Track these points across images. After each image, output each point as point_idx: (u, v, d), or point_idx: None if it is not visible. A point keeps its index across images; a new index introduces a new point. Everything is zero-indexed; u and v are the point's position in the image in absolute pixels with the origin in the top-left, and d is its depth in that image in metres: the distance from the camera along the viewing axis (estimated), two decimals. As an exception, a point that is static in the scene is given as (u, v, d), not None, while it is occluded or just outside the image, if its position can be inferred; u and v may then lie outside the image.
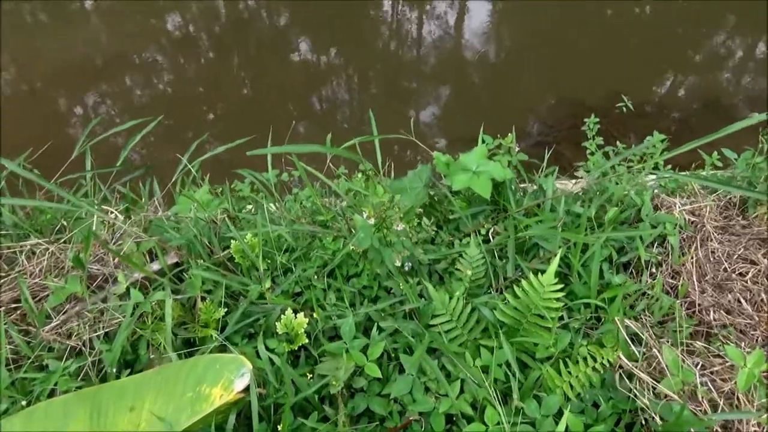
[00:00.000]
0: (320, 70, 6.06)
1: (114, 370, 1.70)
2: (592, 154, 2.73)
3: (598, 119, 2.77)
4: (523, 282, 1.74)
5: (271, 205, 2.85)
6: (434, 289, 1.81)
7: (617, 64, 5.74)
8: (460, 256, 2.06)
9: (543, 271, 1.91)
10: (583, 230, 1.88)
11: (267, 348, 1.82)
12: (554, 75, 5.67)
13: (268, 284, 2.00)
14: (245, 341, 1.89)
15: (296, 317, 1.81)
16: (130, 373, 1.77)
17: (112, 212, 2.30)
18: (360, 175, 2.99)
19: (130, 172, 3.05)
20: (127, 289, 1.95)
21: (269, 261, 2.14)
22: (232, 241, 2.12)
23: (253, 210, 2.38)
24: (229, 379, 1.51)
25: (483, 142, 2.38)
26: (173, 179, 2.96)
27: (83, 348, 1.79)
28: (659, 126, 5.24)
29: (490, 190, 2.13)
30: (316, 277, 2.01)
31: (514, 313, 1.73)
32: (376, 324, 1.83)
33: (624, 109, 4.11)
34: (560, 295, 1.68)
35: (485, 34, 6.32)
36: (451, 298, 1.80)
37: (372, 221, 1.66)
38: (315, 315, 1.85)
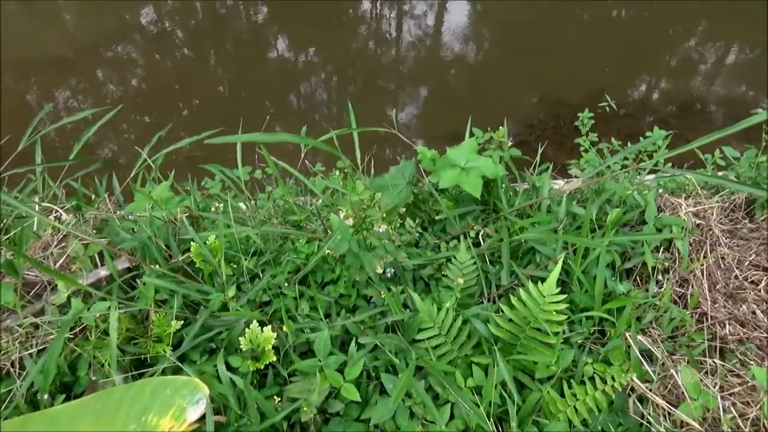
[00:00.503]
0: (298, 69, 5.82)
1: (46, 396, 1.45)
2: (586, 151, 2.56)
3: (591, 114, 2.59)
4: (521, 291, 1.54)
5: (242, 204, 2.61)
6: (420, 299, 1.60)
7: (597, 63, 5.63)
8: (448, 261, 1.85)
9: (541, 279, 1.71)
10: (586, 233, 1.69)
11: (229, 367, 1.59)
12: (535, 74, 5.53)
13: (232, 292, 1.76)
14: (204, 358, 1.65)
15: (263, 331, 1.58)
16: (65, 399, 1.52)
17: (56, 211, 2.04)
18: (338, 172, 2.77)
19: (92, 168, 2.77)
20: (69, 298, 1.70)
21: (234, 266, 1.91)
22: (192, 243, 1.88)
23: (221, 209, 2.14)
24: (181, 406, 1.28)
25: (472, 135, 2.18)
26: (132, 174, 2.70)
27: (12, 369, 1.53)
28: (640, 126, 5.12)
29: (480, 189, 1.93)
30: (286, 284, 1.78)
31: (511, 326, 1.53)
32: (354, 338, 1.62)
33: (607, 108, 3.98)
34: (563, 306, 1.49)
35: (465, 33, 6.16)
36: (439, 310, 1.59)
37: (350, 222, 1.45)
38: (285, 328, 1.62)
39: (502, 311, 1.56)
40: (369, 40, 6.16)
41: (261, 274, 1.88)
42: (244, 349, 1.58)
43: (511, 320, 1.54)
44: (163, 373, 1.58)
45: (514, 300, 1.55)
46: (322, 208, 2.19)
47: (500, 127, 2.09)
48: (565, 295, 1.51)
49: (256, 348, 1.59)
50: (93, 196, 2.57)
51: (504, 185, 2.09)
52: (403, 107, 5.51)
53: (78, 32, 6.04)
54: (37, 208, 2.06)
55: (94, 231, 2.10)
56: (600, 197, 1.89)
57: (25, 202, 2.14)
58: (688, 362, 1.49)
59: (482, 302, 1.74)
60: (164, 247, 1.95)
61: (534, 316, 1.50)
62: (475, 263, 1.71)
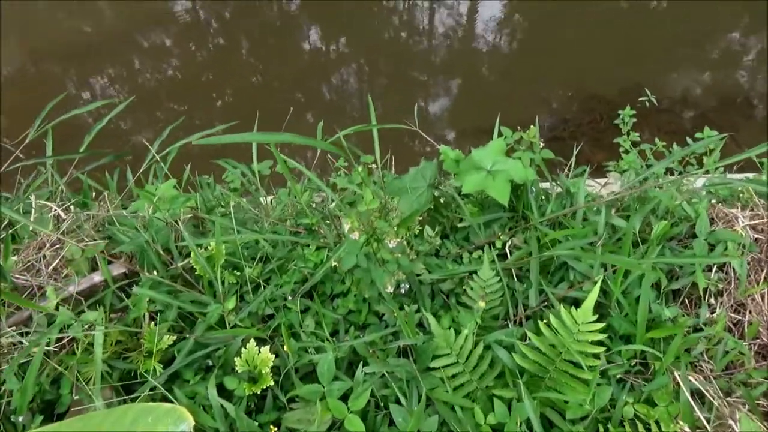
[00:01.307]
0: (330, 59, 5.64)
1: (21, 419, 1.33)
2: (626, 152, 2.33)
3: (633, 111, 2.34)
4: (551, 315, 1.35)
5: (261, 199, 2.47)
6: (436, 322, 1.42)
7: (633, 56, 5.30)
8: (471, 275, 1.67)
9: (574, 301, 1.52)
10: (628, 250, 1.48)
11: (225, 388, 1.45)
12: (569, 66, 5.23)
13: (231, 304, 1.61)
14: (199, 377, 1.51)
15: (260, 352, 1.43)
16: (45, 421, 1.40)
17: (52, 208, 1.92)
18: (360, 168, 2.59)
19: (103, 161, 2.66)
20: (58, 306, 1.58)
21: (238, 273, 1.76)
22: (197, 247, 1.74)
23: (232, 207, 2.00)
24: (162, 439, 1.14)
25: (500, 135, 1.98)
26: (141, 169, 2.59)
27: (-10, 384, 1.42)
28: (680, 122, 4.80)
29: (507, 195, 1.74)
30: (291, 296, 1.62)
31: (539, 357, 1.34)
32: (362, 361, 1.45)
33: (646, 103, 3.70)
34: (601, 337, 1.29)
35: (499, 25, 5.89)
36: (458, 334, 1.41)
37: (356, 236, 1.28)
38: (285, 348, 1.47)
39: (530, 339, 1.37)
40: (400, 32, 5.95)
41: (266, 284, 1.73)
42: (240, 371, 1.43)
43: (539, 350, 1.35)
44: (153, 392, 1.44)
45: (543, 326, 1.36)
46: (336, 211, 2.03)
47: (531, 126, 1.88)
48: (603, 324, 1.31)
49: (252, 369, 1.44)
50: (105, 193, 2.45)
51: (534, 190, 1.89)
52: (431, 100, 5.29)
53: (110, 20, 5.98)
54: (34, 205, 1.94)
55: (96, 231, 1.98)
56: (644, 207, 1.67)
57: (20, 200, 2.03)
58: (747, 407, 1.28)
59: (507, 325, 1.56)
60: (164, 251, 1.82)
61: (566, 346, 1.30)
62: (500, 281, 1.52)
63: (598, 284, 1.34)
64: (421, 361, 1.41)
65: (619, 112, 2.33)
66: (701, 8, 5.70)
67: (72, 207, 2.10)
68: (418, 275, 1.68)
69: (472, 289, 1.53)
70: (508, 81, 5.34)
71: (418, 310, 1.56)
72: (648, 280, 1.40)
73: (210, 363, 1.56)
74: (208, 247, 1.74)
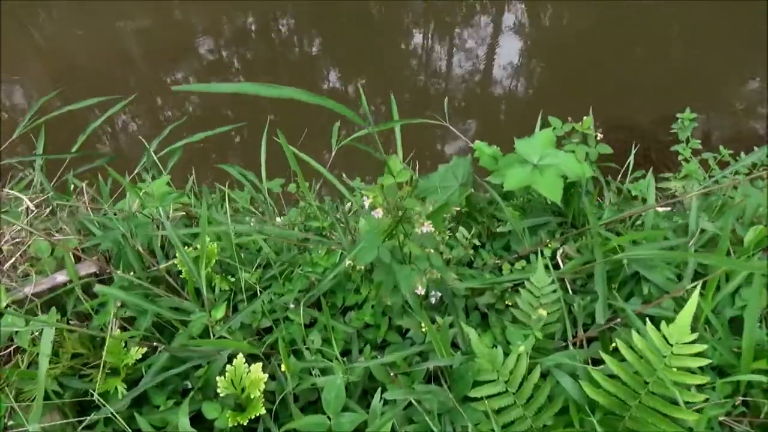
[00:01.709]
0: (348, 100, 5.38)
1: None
2: (687, 161, 2.03)
3: (694, 115, 2.05)
4: (634, 334, 1.03)
5: (278, 218, 2.16)
6: (477, 337, 1.10)
7: (665, 84, 5.00)
8: (515, 287, 1.35)
9: (651, 319, 1.19)
10: (723, 255, 1.16)
11: (204, 418, 1.13)
12: (600, 93, 4.95)
13: (220, 313, 1.31)
14: (171, 402, 1.19)
15: (249, 369, 1.11)
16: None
17: (22, 200, 1.64)
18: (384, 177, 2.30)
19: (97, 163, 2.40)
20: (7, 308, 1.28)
21: (233, 279, 1.46)
22: (185, 246, 1.45)
23: (227, 197, 1.71)
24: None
25: (546, 126, 1.68)
26: (136, 170, 2.33)
27: None
28: (741, 126, 4.46)
29: (560, 192, 1.43)
30: (292, 305, 1.31)
31: (618, 387, 1.01)
32: (380, 387, 1.13)
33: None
34: (704, 362, 0.96)
35: (527, 47, 5.67)
36: (506, 355, 1.08)
37: (379, 214, 0.97)
38: (283, 367, 1.15)
39: (602, 362, 1.04)
40: (421, 63, 5.73)
41: (264, 291, 1.42)
42: (223, 394, 1.11)
43: (616, 377, 1.02)
44: (111, 420, 1.12)
45: (622, 347, 1.03)
46: (351, 215, 1.74)
47: (585, 117, 1.59)
48: (705, 344, 0.98)
49: (239, 393, 1.12)
50: (83, 184, 2.16)
51: (589, 191, 1.59)
52: (461, 105, 4.95)
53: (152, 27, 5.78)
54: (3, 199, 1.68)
55: (76, 231, 1.70)
56: (733, 209, 1.35)
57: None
58: None
59: (566, 346, 1.23)
60: (149, 252, 1.53)
61: (655, 374, 0.97)
62: (555, 289, 1.20)
63: (696, 293, 1.02)
64: (458, 389, 1.08)
65: (678, 115, 2.04)
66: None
67: (48, 201, 1.82)
68: (449, 285, 1.36)
69: (522, 298, 1.21)
70: (539, 98, 5.04)
71: (452, 326, 1.24)
72: (758, 292, 1.07)
73: (189, 385, 1.24)
74: (198, 247, 1.45)
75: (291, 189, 2.85)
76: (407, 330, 1.31)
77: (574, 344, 1.25)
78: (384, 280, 1.19)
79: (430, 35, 5.79)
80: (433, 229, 1.04)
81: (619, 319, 1.21)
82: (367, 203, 0.97)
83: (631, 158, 1.77)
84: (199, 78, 5.30)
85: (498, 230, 1.61)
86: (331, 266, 1.38)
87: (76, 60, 5.37)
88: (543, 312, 1.11)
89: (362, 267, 1.36)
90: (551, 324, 1.20)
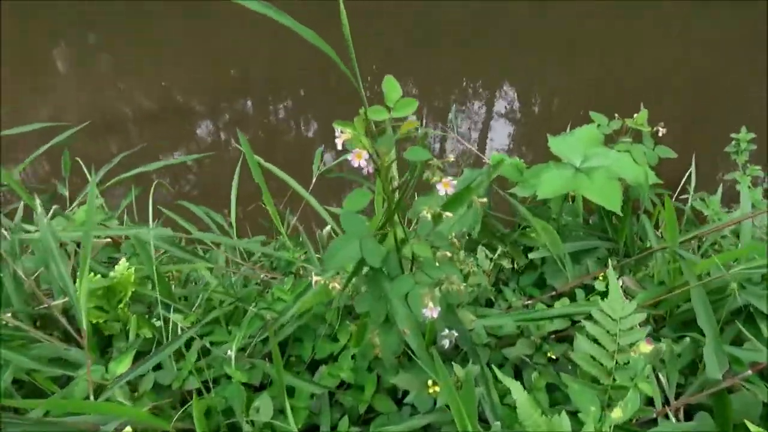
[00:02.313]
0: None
1: None
2: (749, 187, 1.65)
3: (752, 135, 1.70)
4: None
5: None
6: (527, 396, 0.65)
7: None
8: (561, 333, 0.93)
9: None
10: None
11: None
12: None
13: (121, 367, 0.86)
14: None
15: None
16: None
17: None
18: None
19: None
20: None
21: (159, 322, 1.02)
22: (93, 277, 1.02)
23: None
24: None
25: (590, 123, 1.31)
26: (77, 201, 1.93)
27: None
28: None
29: (620, 198, 1.04)
30: (230, 353, 0.87)
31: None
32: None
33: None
34: None
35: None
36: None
37: (360, 162, 0.55)
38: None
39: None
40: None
41: (198, 339, 0.97)
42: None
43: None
44: None
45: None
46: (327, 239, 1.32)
47: (639, 112, 1.22)
48: None
49: (120, 498, 0.65)
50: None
51: (647, 209, 1.19)
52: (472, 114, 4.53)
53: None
54: None
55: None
56: None
57: None
58: None
59: (655, 419, 0.77)
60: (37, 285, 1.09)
61: None
62: (639, 324, 0.77)
63: None
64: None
65: (732, 135, 1.69)
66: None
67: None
68: (469, 329, 0.93)
69: (582, 335, 0.77)
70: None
71: (476, 384, 0.80)
72: None
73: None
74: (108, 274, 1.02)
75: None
76: (405, 393, 0.85)
77: (666, 415, 0.80)
78: (372, 309, 0.76)
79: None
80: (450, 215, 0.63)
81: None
82: (340, 141, 0.55)
83: (692, 171, 1.38)
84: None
85: (527, 259, 1.19)
86: (295, 299, 0.95)
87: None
88: (646, 347, 0.67)
89: (341, 297, 0.93)
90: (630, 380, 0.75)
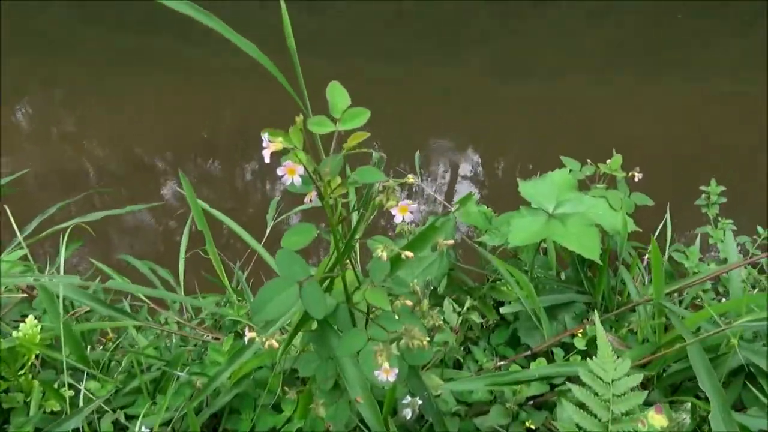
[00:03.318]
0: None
1: None
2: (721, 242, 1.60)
3: (721, 188, 1.66)
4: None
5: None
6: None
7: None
8: (537, 399, 0.80)
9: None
10: None
11: None
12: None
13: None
14: None
15: None
16: None
17: None
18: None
19: None
20: None
21: (68, 391, 0.85)
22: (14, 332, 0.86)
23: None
24: None
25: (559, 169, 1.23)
26: (6, 251, 1.74)
27: None
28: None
29: (599, 246, 0.95)
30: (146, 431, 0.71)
31: None
32: None
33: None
34: None
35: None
36: None
37: (298, 172, 0.43)
38: None
39: None
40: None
41: (113, 412, 0.81)
42: None
43: None
44: None
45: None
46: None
47: (613, 156, 1.16)
48: None
49: None
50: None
51: (625, 259, 1.10)
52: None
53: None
54: None
55: None
56: None
57: None
58: None
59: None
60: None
61: None
62: (636, 386, 0.66)
63: None
64: None
65: (702, 188, 1.65)
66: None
67: None
68: (436, 395, 0.80)
69: (565, 407, 0.65)
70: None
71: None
72: None
73: None
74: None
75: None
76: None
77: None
78: (318, 372, 0.63)
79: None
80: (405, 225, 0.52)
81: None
82: (268, 153, 0.43)
83: (667, 218, 1.31)
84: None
85: (498, 315, 1.08)
86: (230, 358, 0.80)
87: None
88: (662, 422, 0.54)
89: (286, 361, 0.79)
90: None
